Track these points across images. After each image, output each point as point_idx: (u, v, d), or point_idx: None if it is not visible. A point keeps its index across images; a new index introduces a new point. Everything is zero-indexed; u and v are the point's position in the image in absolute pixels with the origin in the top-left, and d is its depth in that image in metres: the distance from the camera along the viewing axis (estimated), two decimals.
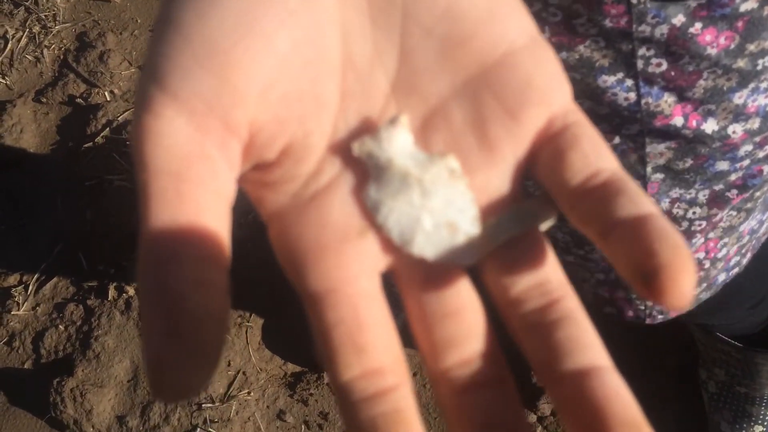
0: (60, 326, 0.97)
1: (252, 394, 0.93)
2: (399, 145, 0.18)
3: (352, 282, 0.18)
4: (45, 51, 1.20)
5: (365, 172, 0.18)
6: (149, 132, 0.16)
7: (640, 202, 0.17)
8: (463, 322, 0.18)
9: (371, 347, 0.18)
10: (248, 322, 0.97)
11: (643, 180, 0.45)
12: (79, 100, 1.14)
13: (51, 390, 0.90)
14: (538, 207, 0.19)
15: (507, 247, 0.19)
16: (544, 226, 0.19)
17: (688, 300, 0.15)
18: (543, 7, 0.38)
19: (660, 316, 0.54)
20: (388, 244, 0.18)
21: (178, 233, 0.15)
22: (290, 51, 0.17)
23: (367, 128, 0.19)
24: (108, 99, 1.13)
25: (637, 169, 0.45)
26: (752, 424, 0.82)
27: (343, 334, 0.18)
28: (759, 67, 0.40)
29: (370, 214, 0.18)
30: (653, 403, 0.90)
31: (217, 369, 0.16)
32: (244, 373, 0.94)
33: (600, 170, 0.18)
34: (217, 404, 0.92)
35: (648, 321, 0.54)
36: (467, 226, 0.18)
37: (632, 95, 0.40)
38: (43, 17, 1.23)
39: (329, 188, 0.18)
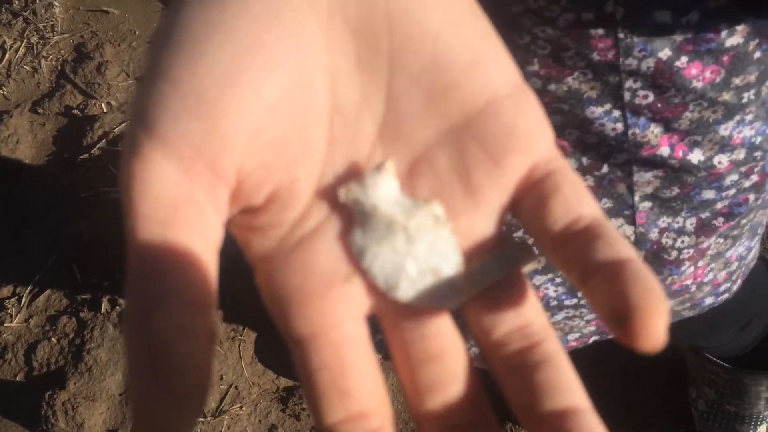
0: (53, 338, 0.96)
1: (244, 408, 0.93)
2: (384, 191, 0.19)
3: (336, 326, 0.18)
4: (42, 61, 1.20)
5: (352, 217, 0.19)
6: (137, 177, 0.16)
7: (618, 246, 0.17)
8: (446, 365, 0.19)
9: (355, 391, 0.18)
10: (241, 336, 0.97)
11: (631, 210, 0.46)
12: (75, 112, 1.14)
13: (43, 403, 0.90)
14: (520, 250, 0.20)
15: (490, 290, 0.19)
16: (528, 268, 0.20)
17: (660, 342, 0.16)
18: (532, 40, 0.39)
19: None
20: (373, 288, 0.19)
21: (164, 280, 0.16)
22: (278, 98, 0.17)
23: (354, 174, 0.19)
24: (105, 110, 1.14)
25: (625, 198, 0.45)
26: None
27: (328, 378, 0.18)
28: (744, 100, 0.40)
29: (355, 259, 0.19)
30: (642, 420, 0.90)
31: (201, 414, 0.16)
32: (236, 387, 0.94)
33: (581, 216, 0.18)
34: (209, 419, 0.92)
35: None
36: (451, 271, 0.19)
37: (619, 126, 0.41)
38: (42, 28, 1.24)
39: (316, 233, 0.19)
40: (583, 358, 0.96)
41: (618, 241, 0.17)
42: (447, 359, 0.19)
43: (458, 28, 0.19)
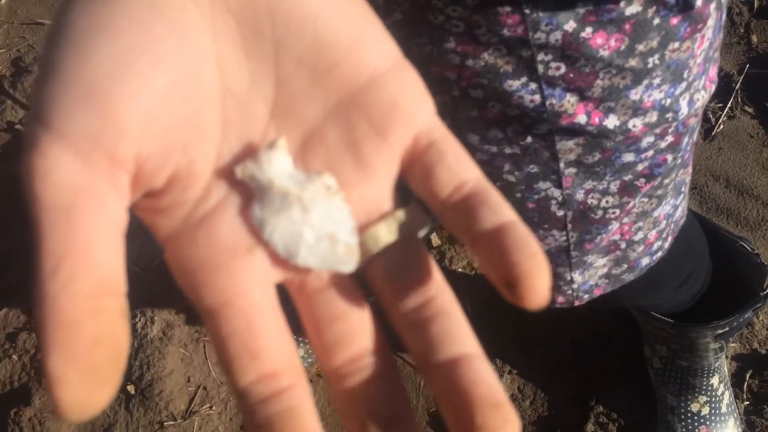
0: (14, 356, 0.95)
1: (214, 408, 0.94)
2: (278, 166, 0.20)
3: (244, 295, 0.20)
4: None
5: (250, 193, 0.20)
6: (37, 170, 0.17)
7: (500, 211, 0.19)
8: (350, 324, 0.20)
9: (265, 353, 0.19)
10: (205, 336, 0.97)
11: (557, 174, 0.48)
12: (18, 126, 1.12)
13: (9, 421, 0.89)
14: (413, 215, 0.21)
15: (387, 251, 0.21)
16: (422, 233, 0.21)
17: (545, 300, 0.18)
18: (446, 19, 0.41)
19: (586, 296, 0.58)
20: (277, 258, 0.20)
21: (70, 264, 0.17)
22: (168, 87, 0.19)
23: (249, 153, 0.20)
24: None
25: (551, 165, 0.48)
26: (696, 395, 0.87)
27: (238, 343, 0.19)
28: (650, 65, 0.43)
29: (256, 231, 0.20)
30: (603, 380, 0.94)
31: (117, 387, 0.17)
32: (204, 387, 0.95)
33: (464, 181, 0.20)
34: (179, 421, 0.93)
35: (576, 302, 0.57)
36: (346, 236, 0.20)
37: (537, 97, 0.43)
38: None
39: (217, 210, 0.20)
40: (536, 331, 0.98)
41: (500, 205, 0.19)
42: (350, 318, 0.20)
43: (336, 10, 0.20)
